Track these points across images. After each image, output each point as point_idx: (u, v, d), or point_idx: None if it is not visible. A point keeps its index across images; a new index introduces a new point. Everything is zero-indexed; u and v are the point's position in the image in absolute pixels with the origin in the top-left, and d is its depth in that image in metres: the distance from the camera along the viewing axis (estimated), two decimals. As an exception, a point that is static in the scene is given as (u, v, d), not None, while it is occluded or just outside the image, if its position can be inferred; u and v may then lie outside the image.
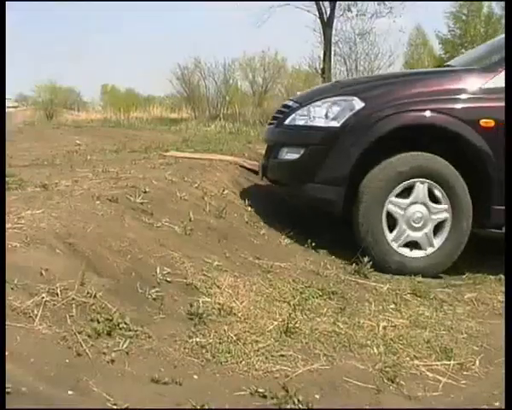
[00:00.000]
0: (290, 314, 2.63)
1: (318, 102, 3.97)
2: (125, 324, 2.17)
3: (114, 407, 1.70)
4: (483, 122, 3.73)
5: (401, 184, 3.74)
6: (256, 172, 4.96)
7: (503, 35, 4.19)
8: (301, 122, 4.00)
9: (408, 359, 2.40)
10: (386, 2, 19.78)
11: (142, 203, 3.27)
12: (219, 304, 2.58)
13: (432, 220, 3.78)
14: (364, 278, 3.42)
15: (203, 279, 2.77)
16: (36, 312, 2.04)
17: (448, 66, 5.04)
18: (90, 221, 2.79)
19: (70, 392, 1.72)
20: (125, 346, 2.05)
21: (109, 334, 2.10)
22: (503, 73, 3.69)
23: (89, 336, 2.04)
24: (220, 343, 2.26)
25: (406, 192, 3.77)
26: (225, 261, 3.08)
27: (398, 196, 3.77)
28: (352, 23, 19.98)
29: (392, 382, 2.18)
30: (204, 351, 2.19)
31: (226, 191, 4.32)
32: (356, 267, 3.49)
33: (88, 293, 2.25)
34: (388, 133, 3.75)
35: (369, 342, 2.52)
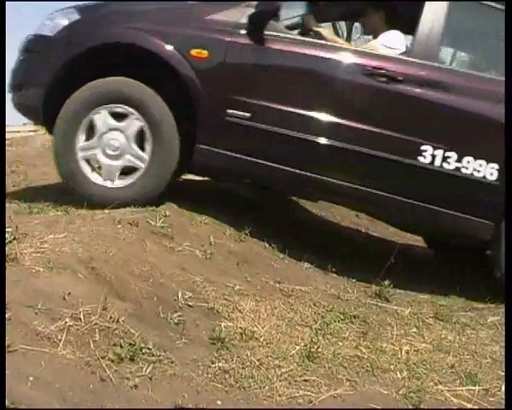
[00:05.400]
0: (312, 339, 2.62)
1: (57, 14, 3.77)
2: (148, 349, 2.18)
3: (139, 433, 1.70)
4: (194, 52, 3.47)
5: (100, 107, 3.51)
6: None
7: None
8: (42, 32, 3.77)
9: (432, 384, 2.37)
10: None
11: (162, 227, 3.27)
12: (241, 328, 2.57)
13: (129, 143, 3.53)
14: (386, 301, 3.38)
15: (225, 303, 2.76)
16: (59, 337, 2.05)
17: None
18: (112, 245, 2.80)
19: (95, 418, 1.72)
20: (148, 371, 2.06)
21: (132, 359, 2.10)
22: (233, 9, 3.55)
23: (112, 361, 2.05)
24: (243, 368, 2.25)
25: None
26: (246, 285, 3.08)
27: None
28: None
29: (417, 408, 2.16)
30: (227, 376, 2.18)
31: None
32: (377, 291, 3.45)
33: (111, 318, 2.25)
34: (88, 50, 3.52)
35: (392, 366, 2.50)
